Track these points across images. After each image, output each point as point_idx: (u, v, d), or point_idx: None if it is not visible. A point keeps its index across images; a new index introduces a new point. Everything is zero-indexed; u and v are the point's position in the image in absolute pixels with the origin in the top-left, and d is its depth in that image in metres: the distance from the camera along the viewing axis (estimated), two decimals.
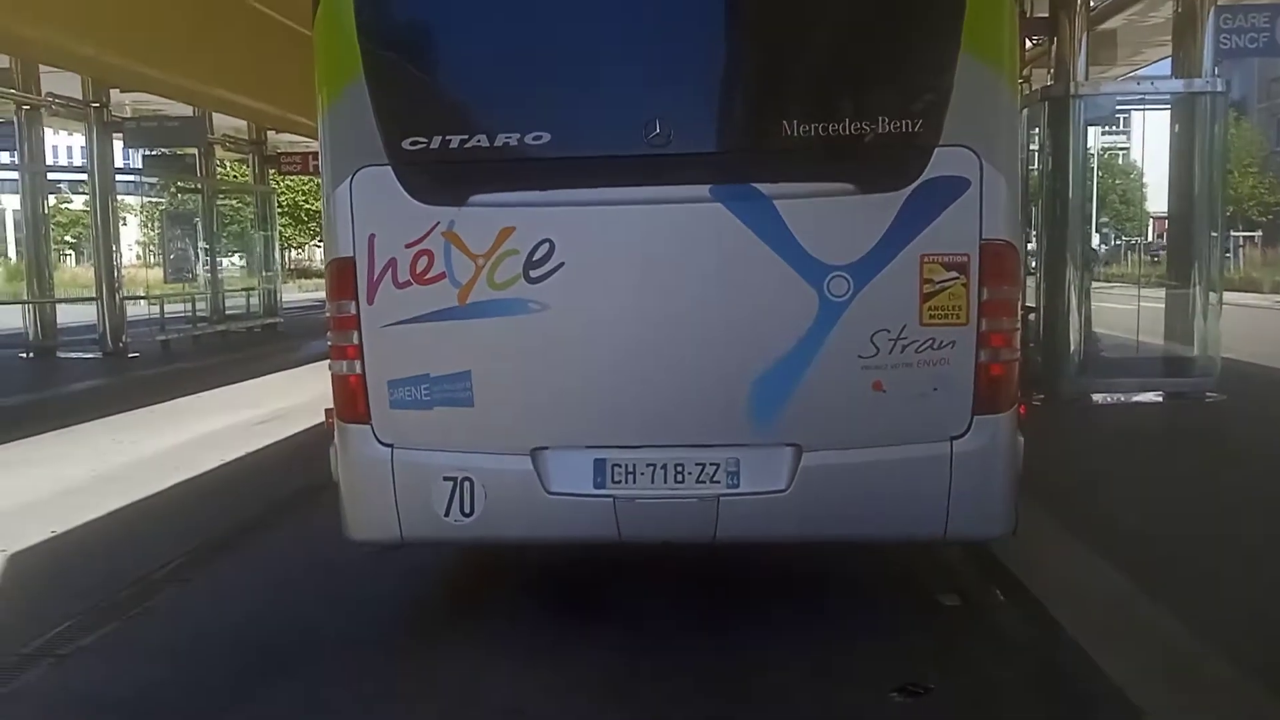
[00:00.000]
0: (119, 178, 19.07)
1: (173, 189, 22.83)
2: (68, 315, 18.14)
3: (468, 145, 3.81)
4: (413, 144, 3.81)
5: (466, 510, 3.91)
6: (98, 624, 4.52)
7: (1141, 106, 11.48)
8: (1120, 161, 54.87)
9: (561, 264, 3.78)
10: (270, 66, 14.72)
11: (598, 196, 3.82)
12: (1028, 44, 11.80)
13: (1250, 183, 44.03)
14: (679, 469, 3.90)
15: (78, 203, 32.79)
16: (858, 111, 3.78)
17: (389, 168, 3.82)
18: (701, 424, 3.90)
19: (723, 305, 3.83)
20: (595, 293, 3.84)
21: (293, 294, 30.44)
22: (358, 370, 3.92)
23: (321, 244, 4.62)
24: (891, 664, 3.87)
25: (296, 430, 8.57)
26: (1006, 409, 3.91)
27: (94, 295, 17.33)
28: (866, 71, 3.92)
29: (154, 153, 21.04)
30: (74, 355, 16.46)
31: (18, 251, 21.79)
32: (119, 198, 20.05)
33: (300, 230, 47.52)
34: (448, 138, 3.81)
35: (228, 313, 21.79)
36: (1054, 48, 10.32)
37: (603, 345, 3.87)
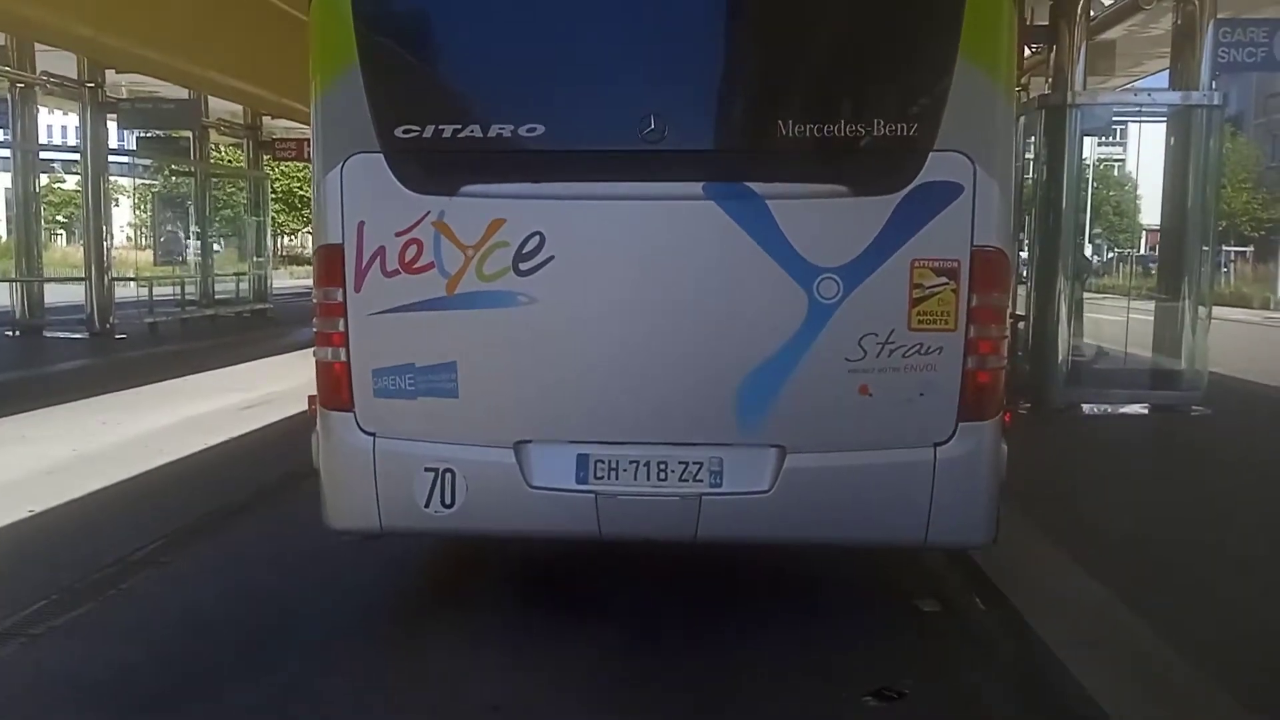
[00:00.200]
0: (112, 159, 18.98)
1: (166, 171, 22.76)
2: (57, 295, 18.06)
3: (461, 135, 3.79)
4: (405, 132, 3.78)
5: (447, 501, 3.89)
6: (73, 604, 4.48)
7: (1138, 118, 11.54)
8: (1115, 173, 55.12)
9: (551, 257, 3.76)
10: (267, 51, 14.66)
11: (590, 190, 3.80)
12: (1027, 51, 11.82)
13: (1244, 198, 44.23)
14: (662, 466, 3.88)
15: (70, 183, 32.60)
16: (853, 114, 3.77)
17: (381, 155, 3.79)
18: (686, 422, 3.88)
19: (712, 304, 3.82)
20: (584, 287, 3.82)
21: (284, 280, 30.37)
22: (343, 358, 3.89)
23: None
24: (868, 668, 3.87)
25: (283, 416, 8.52)
26: (992, 416, 3.90)
27: (83, 275, 17.27)
28: (863, 74, 3.90)
29: (148, 134, 20.97)
30: (60, 335, 16.41)
31: (8, 229, 21.65)
32: (112, 179, 19.95)
33: (293, 217, 47.35)
34: (441, 127, 3.78)
35: (217, 297, 21.73)
36: (1053, 56, 10.33)
37: (590, 340, 3.86)
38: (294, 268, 39.42)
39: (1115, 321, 10.95)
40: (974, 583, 4.72)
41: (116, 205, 27.03)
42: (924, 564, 5.00)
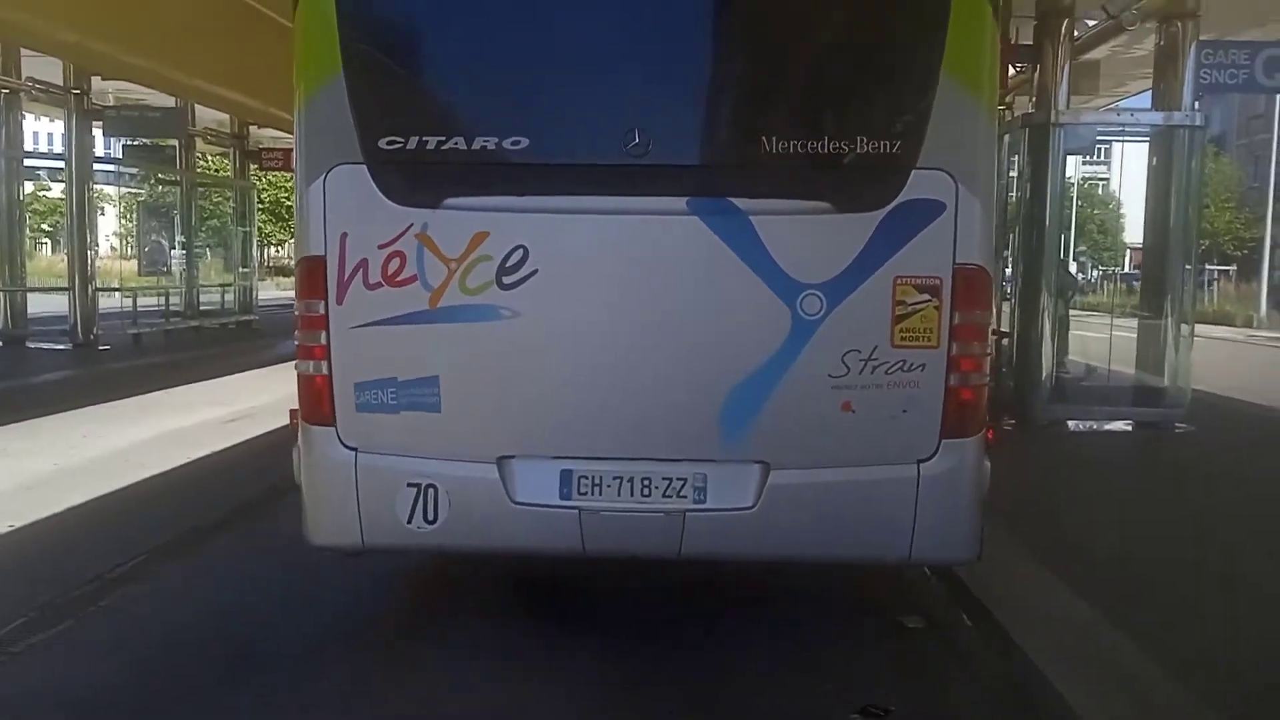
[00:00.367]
0: (98, 167, 18.91)
1: (152, 180, 22.66)
2: (40, 305, 17.94)
3: (444, 147, 3.78)
4: (389, 143, 3.77)
5: (430, 517, 3.86)
6: (53, 621, 4.43)
7: (1121, 138, 11.60)
8: (1100, 192, 55.50)
9: (535, 271, 3.75)
10: (254, 60, 14.62)
11: (574, 205, 3.79)
12: (1011, 71, 11.90)
13: (1227, 217, 44.66)
14: (645, 482, 3.87)
15: (56, 190, 32.44)
16: (837, 131, 3.78)
17: (364, 166, 3.78)
18: (670, 438, 3.87)
19: (695, 319, 3.82)
20: (568, 301, 3.81)
21: (270, 291, 30.28)
22: (324, 371, 3.87)
23: None
24: (853, 685, 3.86)
25: (267, 429, 8.47)
26: (975, 433, 3.91)
27: (66, 285, 17.16)
28: (847, 91, 3.92)
29: (134, 142, 20.90)
30: (43, 346, 16.28)
31: None
32: (97, 187, 19.85)
33: (280, 227, 47.21)
34: (424, 138, 3.77)
35: (202, 308, 21.62)
36: (1037, 75, 10.41)
37: (573, 355, 3.85)
38: (280, 279, 39.27)
39: (1099, 339, 11.01)
40: (959, 599, 4.72)
41: (102, 214, 26.89)
42: (908, 580, 4.99)
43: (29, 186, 23.25)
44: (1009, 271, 10.37)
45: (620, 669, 4.02)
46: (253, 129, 22.78)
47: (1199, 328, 10.46)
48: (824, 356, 3.75)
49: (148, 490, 6.94)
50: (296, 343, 3.97)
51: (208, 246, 24.47)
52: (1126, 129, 11.08)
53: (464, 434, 3.89)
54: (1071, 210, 11.13)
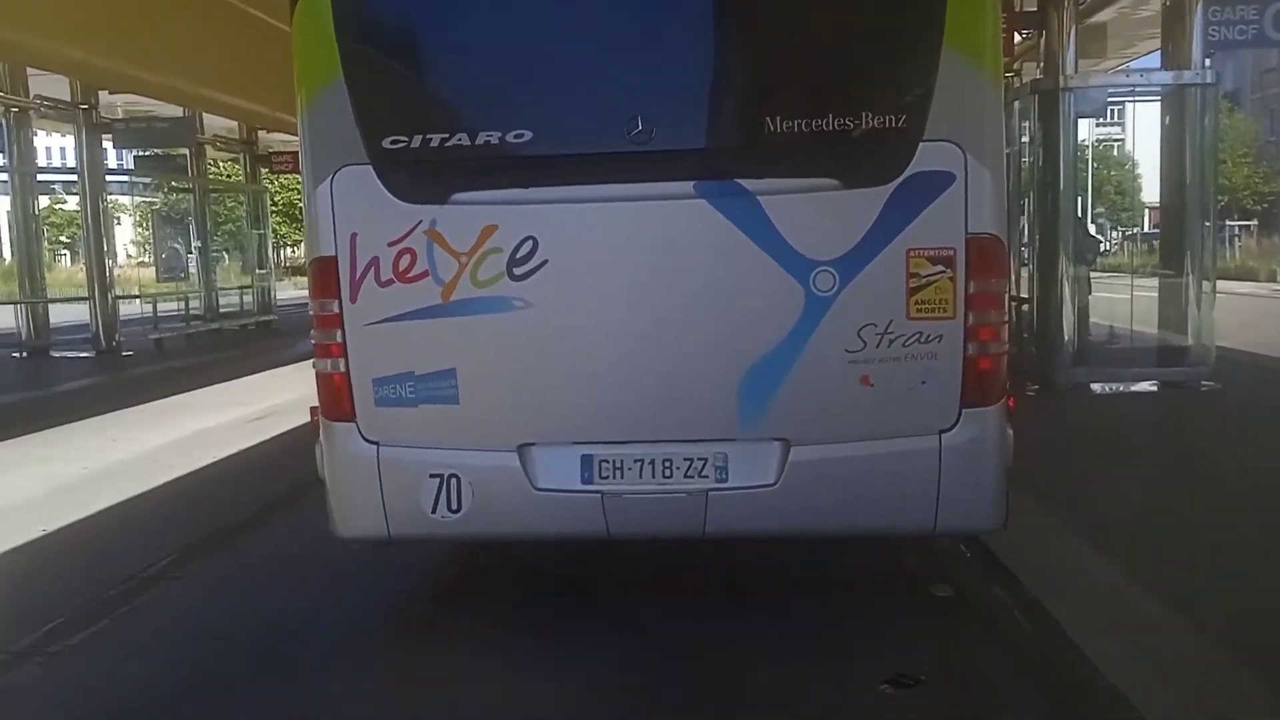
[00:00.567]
0: (112, 178, 19.09)
1: (165, 189, 22.82)
2: (63, 315, 18.13)
3: (449, 144, 3.80)
4: (393, 143, 3.79)
5: (453, 507, 3.90)
6: (87, 622, 4.51)
7: (1133, 99, 11.48)
8: (1115, 153, 54.92)
9: (545, 261, 3.77)
10: (258, 67, 14.67)
11: (580, 194, 3.80)
12: (1017, 38, 11.79)
13: (1245, 172, 44.12)
14: (667, 464, 3.89)
15: (71, 203, 32.74)
16: (841, 107, 3.76)
17: (370, 166, 3.80)
18: (689, 419, 3.89)
19: (708, 301, 3.82)
20: (579, 290, 3.83)
21: (287, 291, 30.43)
22: (342, 368, 3.91)
23: None
24: (883, 655, 3.88)
25: (290, 427, 8.55)
26: (995, 401, 3.91)
27: (86, 295, 17.32)
28: (849, 67, 3.90)
29: (145, 153, 21.03)
30: (67, 354, 16.45)
31: (11, 252, 21.78)
32: (112, 198, 20.02)
33: (295, 229, 47.35)
34: (428, 136, 3.79)
35: (221, 311, 21.77)
36: (1043, 41, 10.31)
37: (588, 342, 3.87)
38: (297, 279, 39.48)
39: (1120, 299, 10.93)
40: (987, 567, 4.72)
41: (118, 224, 27.15)
42: (937, 550, 5.00)
43: (44, 200, 23.44)
44: (1025, 237, 10.30)
45: (648, 642, 4.05)
46: (261, 134, 22.87)
47: (1221, 284, 10.33)
48: (840, 332, 3.76)
49: (177, 490, 7.04)
50: (313, 341, 4.02)
51: (224, 250, 24.65)
52: (1137, 90, 10.96)
53: (483, 424, 3.92)
54: (1087, 173, 11.00)
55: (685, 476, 3.89)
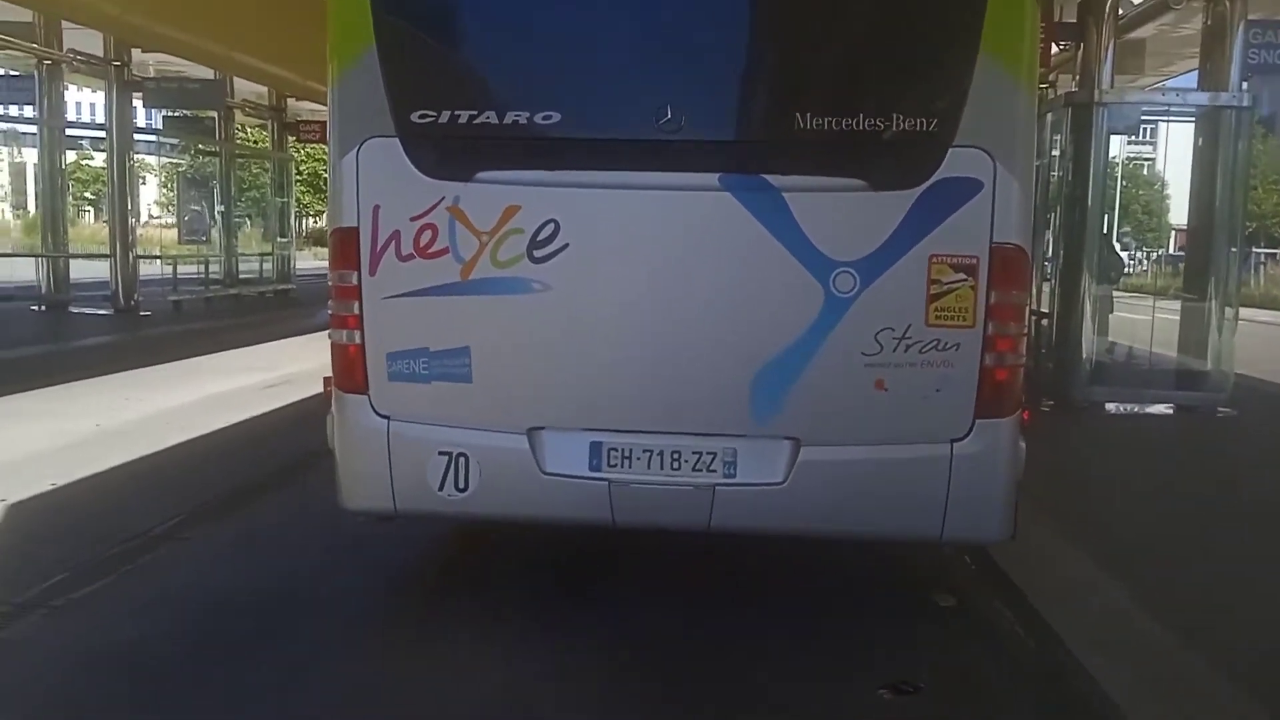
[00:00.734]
0: (139, 137, 19.13)
1: (192, 151, 22.91)
2: (83, 271, 18.23)
3: (476, 121, 3.79)
4: (421, 117, 3.79)
5: (461, 486, 3.91)
6: (93, 577, 4.55)
7: (1167, 118, 11.39)
8: (1145, 172, 54.49)
9: (566, 245, 3.76)
10: (291, 33, 14.65)
11: (605, 179, 3.79)
12: (1054, 49, 11.68)
13: (1275, 199, 43.68)
14: (675, 456, 3.89)
15: (98, 159, 32.89)
16: (873, 108, 3.73)
17: (396, 139, 3.80)
18: (700, 413, 3.88)
19: (727, 295, 3.81)
20: (599, 276, 3.82)
21: (307, 261, 30.52)
22: (357, 341, 3.92)
23: None
24: (882, 661, 3.87)
25: (304, 396, 8.56)
26: (1010, 414, 3.88)
27: (108, 252, 17.43)
28: (884, 68, 3.87)
29: (174, 114, 21.11)
30: (85, 311, 16.56)
31: (36, 205, 21.91)
32: (139, 157, 20.09)
33: (318, 199, 47.52)
34: (457, 112, 3.78)
35: (241, 277, 21.89)
36: (1080, 54, 10.21)
37: (604, 329, 3.86)
38: (318, 249, 39.62)
39: (1141, 320, 10.85)
40: (991, 578, 4.70)
41: (143, 183, 27.24)
42: (940, 558, 4.98)
43: (71, 156, 23.55)
44: (1049, 251, 10.22)
45: (650, 642, 4.05)
46: (291, 102, 22.93)
47: (1244, 311, 10.26)
48: (857, 334, 3.74)
49: (188, 452, 7.07)
50: (330, 312, 4.02)
51: (247, 216, 24.74)
52: (1172, 109, 10.89)
53: (494, 404, 3.92)
54: (1115, 190, 10.94)
55: (693, 470, 3.88)
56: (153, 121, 22.28)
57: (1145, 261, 36.72)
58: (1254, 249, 34.98)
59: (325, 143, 4.14)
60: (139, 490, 6.11)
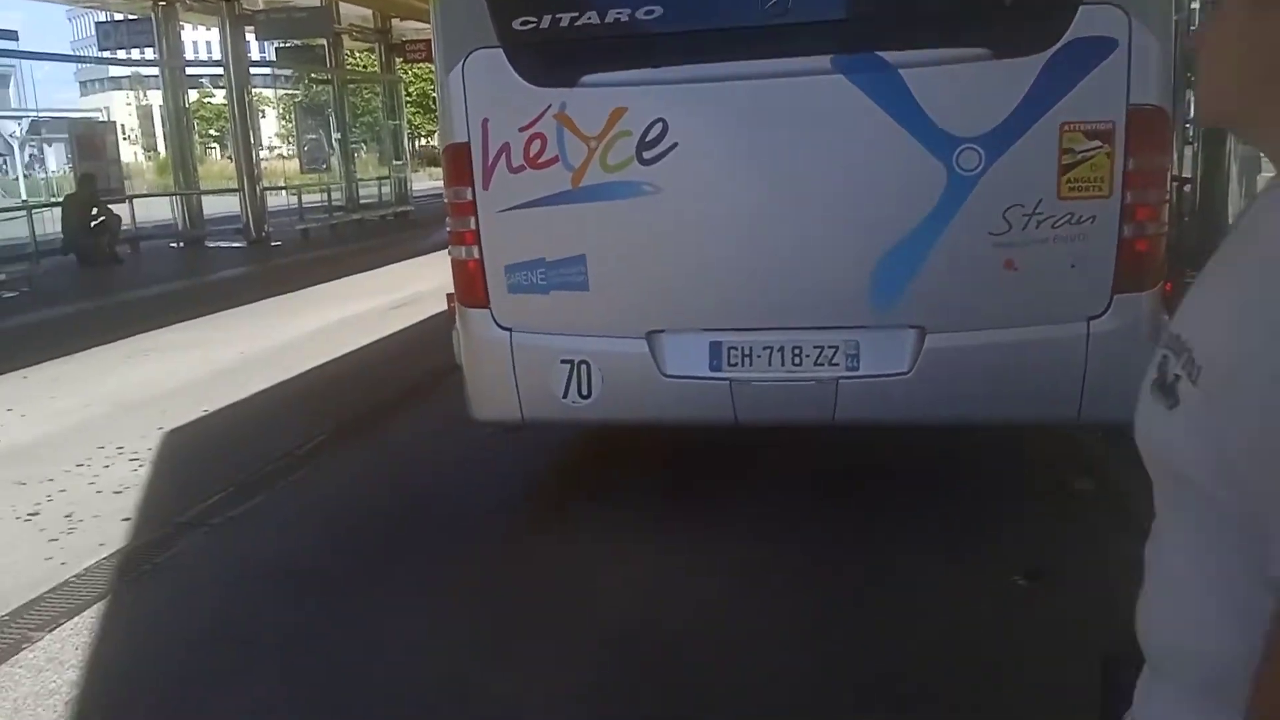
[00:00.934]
0: (255, 71, 19.62)
1: (306, 80, 23.39)
2: (214, 206, 19.00)
3: (578, 23, 3.71)
4: (523, 24, 3.73)
5: (584, 392, 3.95)
6: (247, 496, 4.84)
7: None
8: None
9: (675, 144, 3.68)
10: None
11: (711, 72, 3.67)
12: None
13: None
14: (796, 352, 3.83)
15: (219, 97, 33.96)
16: None
17: (500, 50, 3.76)
18: (820, 306, 3.80)
19: (844, 183, 3.68)
20: (711, 173, 3.73)
21: (423, 182, 31.05)
22: (476, 255, 3.96)
23: None
24: (1018, 547, 3.80)
25: (428, 315, 8.81)
26: (1151, 287, 3.67)
27: (236, 187, 18.11)
28: None
29: (286, 44, 21.53)
30: (220, 244, 17.32)
31: (165, 146, 22.82)
32: (256, 90, 20.64)
33: (428, 119, 48.05)
34: (558, 16, 3.71)
35: (362, 202, 22.46)
36: None
37: (718, 227, 3.79)
38: (432, 169, 40.27)
39: None
40: (1130, 461, 4.51)
41: (263, 116, 27.98)
42: (1077, 441, 4.81)
43: (193, 95, 24.34)
44: (1191, 112, 9.53)
45: (787, 536, 4.07)
46: (395, 23, 23.04)
47: None
48: (983, 213, 3.57)
49: (325, 374, 7.39)
50: (448, 230, 4.07)
51: (362, 142, 25.24)
52: None
53: (613, 310, 3.92)
54: None
55: (815, 364, 3.82)
56: (266, 54, 22.80)
57: None
58: None
59: (432, 62, 4.13)
60: (282, 413, 6.42)
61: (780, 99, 3.65)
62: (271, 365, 7.58)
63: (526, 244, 3.90)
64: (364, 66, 29.37)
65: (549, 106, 3.76)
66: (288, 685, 3.15)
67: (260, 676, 3.22)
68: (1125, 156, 3.49)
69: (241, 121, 18.02)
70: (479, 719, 2.94)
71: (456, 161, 3.92)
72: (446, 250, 4.17)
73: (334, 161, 22.36)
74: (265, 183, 19.01)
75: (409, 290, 10.76)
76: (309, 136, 22.40)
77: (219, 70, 19.30)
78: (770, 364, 3.83)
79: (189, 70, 20.07)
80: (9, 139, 31.96)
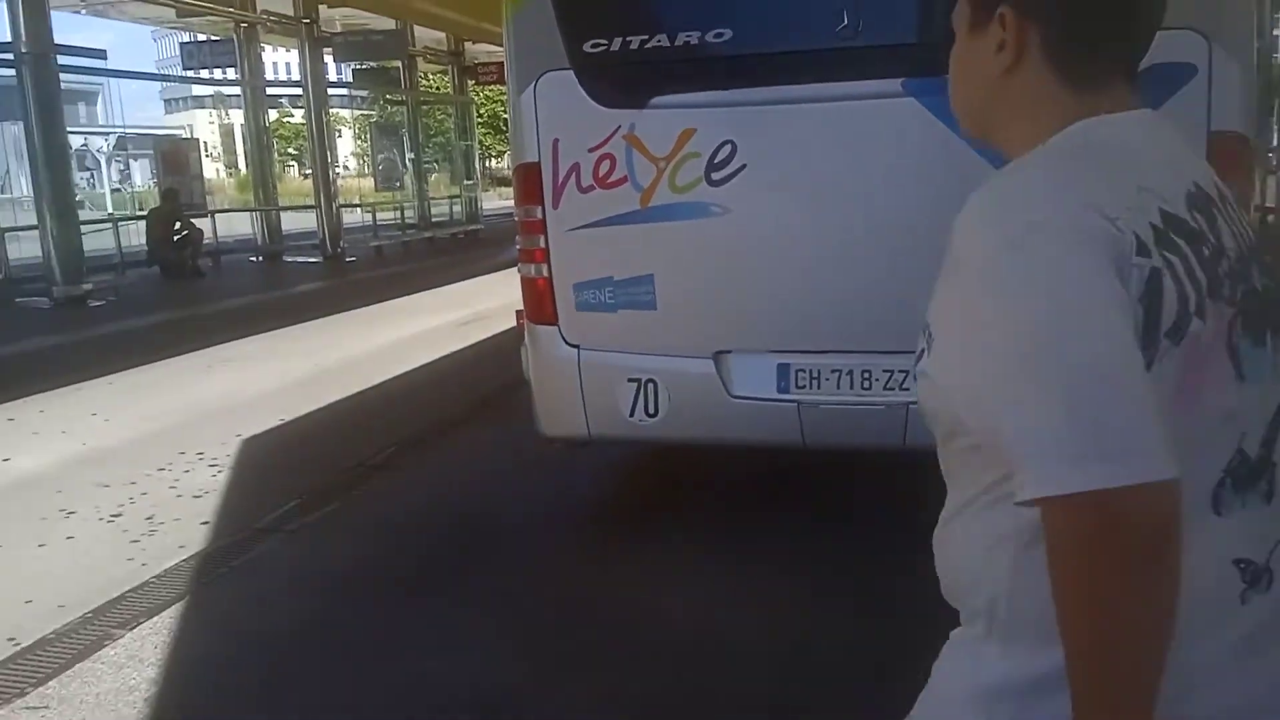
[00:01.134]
0: (332, 92, 20.17)
1: (381, 101, 23.97)
2: (292, 222, 19.52)
3: (648, 45, 3.77)
4: (594, 46, 3.80)
5: (651, 411, 3.99)
6: (320, 504, 4.95)
7: None
8: None
9: (744, 165, 3.71)
10: None
11: (781, 95, 3.69)
12: None
13: None
14: (866, 375, 3.81)
15: (298, 116, 34.95)
16: None
17: (571, 72, 3.83)
18: (890, 330, 3.74)
19: (913, 206, 3.66)
20: (779, 195, 3.75)
21: (492, 201, 31.49)
22: (545, 274, 4.03)
23: None
24: None
25: (497, 331, 8.95)
26: None
27: (313, 204, 18.61)
28: None
29: (362, 66, 22.09)
30: (298, 259, 17.78)
31: (246, 163, 23.54)
32: (333, 111, 21.22)
33: (498, 139, 48.77)
34: (628, 39, 3.77)
35: (433, 220, 22.89)
36: None
37: (786, 248, 3.80)
38: (501, 189, 40.83)
39: None
40: None
41: (339, 136, 28.71)
42: None
43: (273, 114, 25.10)
44: (1276, 141, 9.30)
45: (855, 562, 4.04)
46: (468, 45, 23.51)
47: None
48: None
49: (397, 387, 7.55)
50: (518, 247, 4.15)
51: (434, 161, 25.75)
52: None
53: (680, 330, 3.96)
54: None
55: (885, 389, 3.80)
56: (343, 76, 23.43)
57: None
58: None
59: (502, 83, 4.23)
60: (355, 424, 6.57)
61: (850, 122, 3.66)
62: (345, 377, 7.76)
63: (595, 263, 3.96)
64: (437, 88, 30.00)
65: (618, 127, 3.82)
66: (357, 689, 3.22)
67: (331, 680, 3.30)
68: None
69: (319, 140, 18.54)
70: None
71: (527, 181, 4.00)
72: (515, 268, 4.25)
73: (407, 180, 22.86)
74: (341, 200, 19.49)
75: (478, 307, 10.94)
76: (383, 155, 22.92)
77: (298, 90, 19.88)
78: (839, 387, 3.83)
79: (269, 90, 20.69)
80: (97, 154, 33.27)
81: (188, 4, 16.56)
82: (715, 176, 3.74)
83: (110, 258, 14.68)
